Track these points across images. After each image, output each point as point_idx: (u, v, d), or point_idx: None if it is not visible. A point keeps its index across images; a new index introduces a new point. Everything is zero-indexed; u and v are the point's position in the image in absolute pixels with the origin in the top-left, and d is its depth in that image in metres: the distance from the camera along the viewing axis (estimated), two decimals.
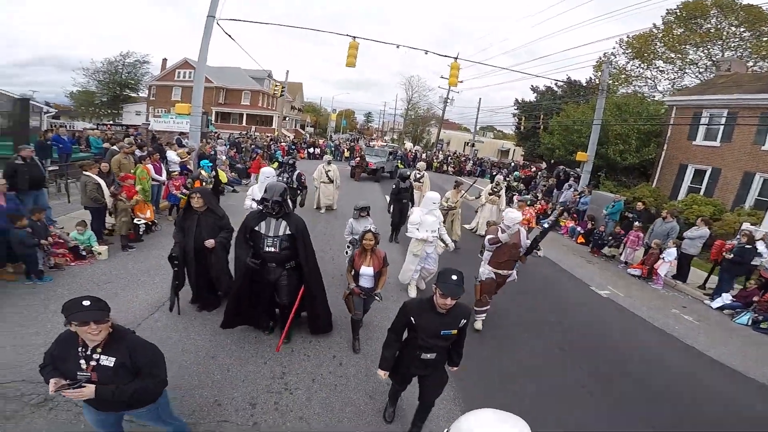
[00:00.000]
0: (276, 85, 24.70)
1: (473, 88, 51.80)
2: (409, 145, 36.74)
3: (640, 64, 23.68)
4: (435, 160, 29.19)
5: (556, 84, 24.37)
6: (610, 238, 10.48)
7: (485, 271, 5.10)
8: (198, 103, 12.21)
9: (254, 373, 3.89)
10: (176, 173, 8.26)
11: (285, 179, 7.96)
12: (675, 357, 5.56)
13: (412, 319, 2.79)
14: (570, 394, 4.30)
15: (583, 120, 18.86)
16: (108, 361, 2.13)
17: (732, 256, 7.57)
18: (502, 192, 10.26)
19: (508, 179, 20.07)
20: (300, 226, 4.09)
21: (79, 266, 5.82)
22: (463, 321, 2.78)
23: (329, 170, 10.40)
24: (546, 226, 6.59)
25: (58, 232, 6.00)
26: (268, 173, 6.00)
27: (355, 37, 13.06)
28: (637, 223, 9.72)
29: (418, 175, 10.44)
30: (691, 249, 8.53)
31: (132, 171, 7.45)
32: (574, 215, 13.30)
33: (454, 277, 2.59)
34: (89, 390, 2.04)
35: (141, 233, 6.97)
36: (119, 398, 2.13)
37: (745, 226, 9.96)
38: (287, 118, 48.88)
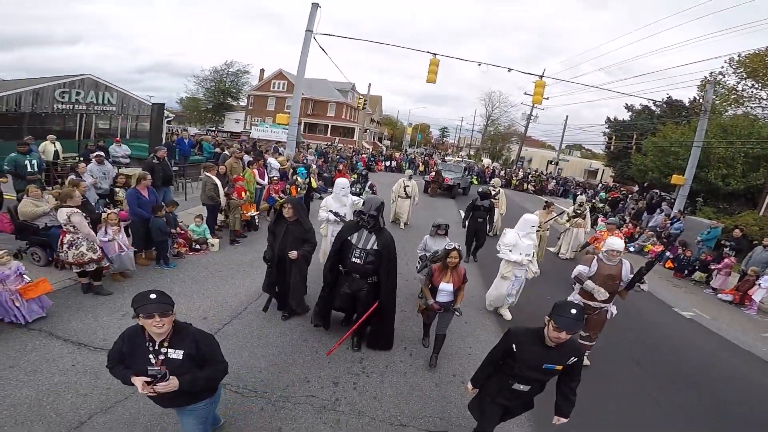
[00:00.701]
0: (359, 98, 25.87)
1: (562, 105, 49.59)
2: (486, 161, 35.99)
3: (753, 84, 20.74)
4: (514, 178, 28.17)
5: (654, 103, 22.24)
6: (698, 262, 9.88)
7: (574, 300, 4.72)
8: (295, 114, 13.30)
9: (337, 356, 4.32)
10: (276, 178, 9.04)
11: (357, 189, 8.06)
12: (758, 376, 5.46)
13: (513, 347, 2.65)
14: (640, 403, 4.48)
15: (682, 141, 17.15)
16: (176, 354, 2.18)
17: None
18: (587, 213, 9.70)
19: (593, 200, 18.90)
20: (388, 243, 4.16)
21: (195, 256, 6.65)
22: (573, 359, 2.57)
23: (408, 186, 10.28)
24: (652, 258, 6.22)
25: (181, 224, 6.91)
26: (342, 184, 6.03)
27: (435, 54, 13.28)
28: (727, 250, 9.34)
29: (493, 192, 10.07)
30: None
31: (242, 174, 8.31)
32: (664, 240, 12.48)
33: (574, 311, 2.41)
34: (174, 381, 2.07)
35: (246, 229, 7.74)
36: (196, 386, 2.19)
37: None
38: (367, 131, 50.74)
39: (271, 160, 10.40)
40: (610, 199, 19.92)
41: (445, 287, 4.10)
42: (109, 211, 5.33)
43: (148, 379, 2.05)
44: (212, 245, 6.85)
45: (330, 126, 43.33)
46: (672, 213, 14.20)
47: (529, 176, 29.24)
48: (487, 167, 30.06)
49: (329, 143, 29.80)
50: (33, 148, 8.05)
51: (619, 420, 4.09)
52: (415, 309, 5.10)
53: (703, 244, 10.56)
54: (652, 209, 15.79)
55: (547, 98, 17.79)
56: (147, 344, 2.17)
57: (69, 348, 3.96)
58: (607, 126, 30.22)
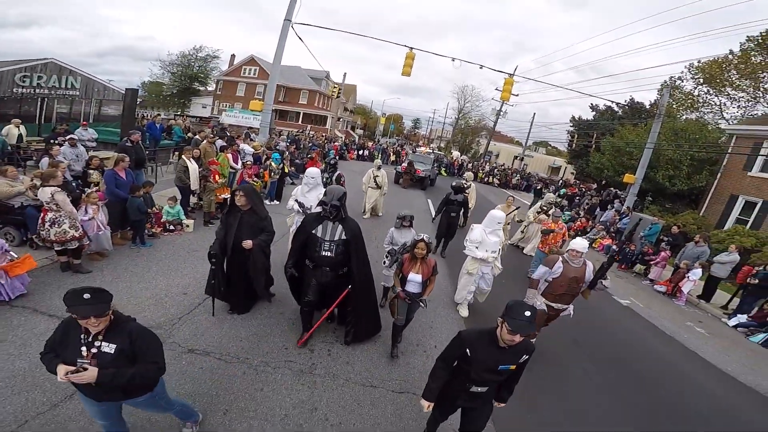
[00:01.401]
0: (334, 87, 25.92)
1: (531, 102, 51.15)
2: (456, 154, 36.93)
3: (708, 90, 22.51)
4: (480, 171, 29.23)
5: (617, 105, 23.68)
6: (640, 255, 11.00)
7: (537, 302, 4.62)
8: (270, 101, 13.36)
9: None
10: (249, 163, 9.22)
11: (325, 179, 7.85)
12: (675, 358, 6.17)
13: (467, 351, 2.56)
14: (572, 377, 4.99)
15: (636, 142, 18.52)
16: (109, 348, 2.11)
17: (757, 280, 8.09)
18: (552, 211, 9.57)
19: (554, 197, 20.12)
20: (356, 232, 4.10)
21: (170, 236, 6.85)
22: (525, 357, 2.54)
23: (378, 175, 10.14)
24: (614, 254, 6.48)
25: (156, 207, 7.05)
26: (313, 174, 5.80)
27: (412, 48, 13.69)
28: (663, 245, 10.53)
29: (465, 186, 9.72)
30: (720, 272, 9.00)
31: (216, 158, 8.45)
32: (613, 234, 13.75)
33: (527, 314, 2.32)
34: (91, 373, 2.00)
35: (219, 211, 7.94)
36: (118, 382, 2.09)
37: None
38: (340, 119, 50.54)
39: (244, 146, 10.55)
40: (568, 194, 21.23)
41: (414, 278, 4.09)
42: (89, 190, 5.42)
43: (72, 368, 1.99)
44: (187, 226, 7.06)
45: (302, 113, 43.01)
46: (621, 210, 15.38)
47: (495, 170, 30.38)
48: (456, 160, 30.93)
49: (301, 130, 29.63)
50: None
51: (557, 391, 4.56)
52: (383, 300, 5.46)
53: (645, 239, 11.66)
54: (606, 206, 17.08)
55: (517, 95, 18.63)
56: (81, 336, 2.11)
57: (54, 323, 4.04)
58: (571, 124, 31.58)
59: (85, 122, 10.73)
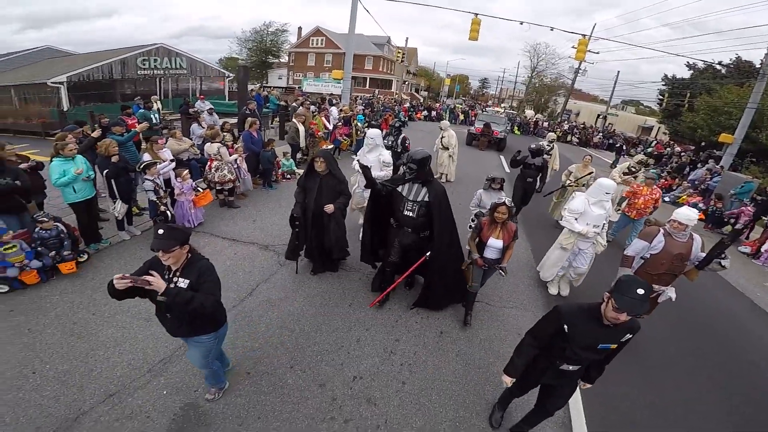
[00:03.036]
0: (398, 52, 26.22)
1: (617, 60, 45.73)
2: (529, 112, 35.24)
3: None
4: (558, 129, 27.98)
5: (720, 63, 20.95)
6: (731, 216, 10.05)
7: None
8: (349, 69, 14.45)
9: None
10: (340, 123, 10.47)
11: (390, 142, 7.73)
12: (743, 314, 5.87)
13: (565, 327, 2.35)
14: (655, 339, 4.64)
15: (737, 102, 16.63)
16: (183, 283, 2.36)
17: None
18: (641, 173, 8.38)
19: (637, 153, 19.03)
20: (439, 195, 3.98)
21: (286, 182, 8.48)
22: (628, 336, 2.31)
23: (444, 136, 9.79)
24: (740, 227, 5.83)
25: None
26: (372, 135, 5.80)
27: (477, 14, 13.65)
28: (750, 205, 9.61)
29: (547, 148, 9.07)
30: None
31: (313, 119, 9.81)
32: (699, 192, 12.84)
33: (641, 292, 2.06)
34: (160, 282, 2.19)
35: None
36: (180, 299, 2.23)
37: None
38: (405, 83, 50.49)
39: (333, 109, 11.83)
40: (655, 153, 19.82)
41: (494, 243, 3.85)
42: (237, 145, 7.01)
43: (129, 275, 2.18)
44: (299, 174, 8.55)
45: (368, 78, 43.82)
46: (714, 168, 14.22)
47: (574, 129, 28.80)
48: (530, 119, 29.78)
49: (372, 95, 30.71)
50: (135, 108, 9.85)
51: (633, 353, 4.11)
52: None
53: (735, 197, 10.76)
54: (697, 165, 15.65)
55: (597, 52, 17.42)
56: (165, 272, 2.38)
57: (228, 242, 5.79)
58: (663, 83, 28.96)
59: (202, 96, 12.73)
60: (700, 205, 11.62)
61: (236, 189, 6.83)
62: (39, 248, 4.39)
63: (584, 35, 14.10)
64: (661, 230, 3.86)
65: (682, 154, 19.22)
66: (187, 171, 5.79)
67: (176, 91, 20.03)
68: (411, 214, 3.98)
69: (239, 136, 7.87)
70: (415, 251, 4.18)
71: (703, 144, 21.09)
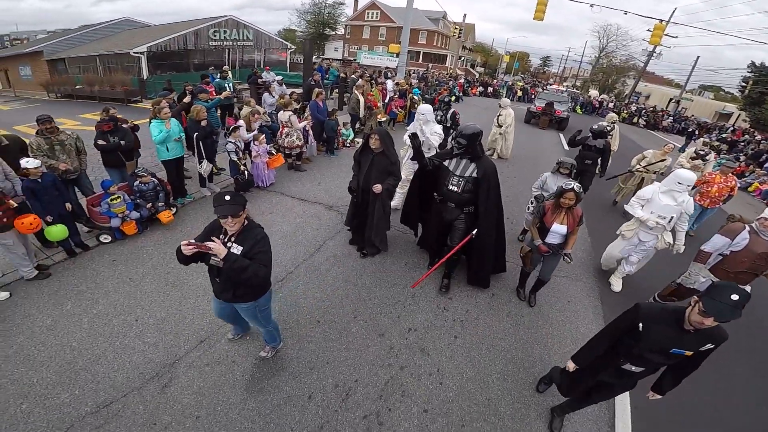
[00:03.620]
0: (455, 27, 25.49)
1: (700, 46, 41.17)
2: (593, 92, 32.98)
3: None
4: (625, 110, 26.14)
5: None
6: None
7: (700, 278, 3.87)
8: (405, 43, 14.38)
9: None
10: (396, 96, 10.68)
11: (439, 117, 7.72)
12: None
13: (640, 325, 2.23)
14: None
15: None
16: (236, 249, 2.40)
17: None
18: (711, 157, 7.88)
19: (711, 139, 17.54)
20: (488, 172, 3.88)
21: (346, 149, 8.96)
22: (709, 346, 2.13)
23: (501, 114, 9.62)
24: None
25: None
26: (424, 110, 5.79)
27: None
28: None
29: (608, 129, 8.52)
30: None
31: (371, 92, 10.10)
32: None
33: (735, 297, 1.92)
34: (220, 248, 2.25)
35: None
36: (237, 266, 2.31)
37: None
38: (461, 58, 48.99)
39: (389, 82, 12.03)
40: (729, 138, 18.15)
41: (558, 229, 3.70)
42: (306, 113, 7.54)
43: (193, 242, 2.26)
44: (357, 142, 9.00)
45: (422, 53, 43.13)
46: None
47: (643, 111, 26.72)
48: (594, 99, 27.99)
49: (425, 69, 30.32)
50: (211, 77, 10.62)
51: None
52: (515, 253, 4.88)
53: None
54: None
55: (675, 37, 15.85)
56: (221, 236, 2.45)
57: (297, 202, 6.35)
58: (750, 71, 27.12)
59: (267, 67, 13.42)
60: None
61: (303, 154, 7.38)
62: (138, 200, 5.00)
63: (661, 20, 12.92)
64: (747, 227, 3.61)
65: (762, 141, 17.48)
66: (263, 135, 6.37)
67: (242, 62, 21.07)
68: (456, 189, 3.94)
69: (305, 106, 8.38)
70: (457, 228, 4.13)
71: None
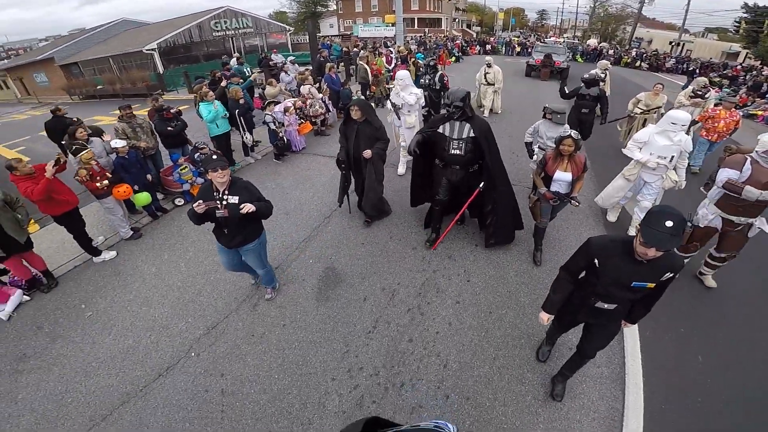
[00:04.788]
0: None
1: None
2: (592, 41, 32.74)
3: None
4: (625, 56, 26.17)
5: None
6: None
7: (707, 213, 3.78)
8: (400, 12, 14.93)
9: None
10: (398, 62, 11.52)
11: (427, 81, 7.85)
12: None
13: (596, 261, 2.23)
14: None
15: None
16: (233, 199, 3.04)
17: None
18: (711, 94, 7.89)
19: (710, 76, 17.94)
20: (484, 129, 4.01)
21: None
22: (669, 275, 2.10)
23: (489, 73, 9.69)
24: None
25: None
26: (401, 76, 6.07)
27: None
28: None
29: (602, 76, 8.88)
30: None
31: (375, 61, 10.98)
32: None
33: (669, 224, 1.84)
34: (251, 206, 2.98)
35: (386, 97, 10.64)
36: (263, 207, 3.11)
37: None
38: (455, 20, 48.34)
39: (390, 50, 12.82)
40: (730, 74, 18.52)
41: (562, 176, 3.72)
42: (323, 86, 8.56)
43: (200, 203, 2.94)
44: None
45: (416, 18, 42.68)
46: None
47: (644, 55, 26.69)
48: (594, 47, 27.96)
49: (422, 34, 30.56)
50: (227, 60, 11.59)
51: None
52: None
53: None
54: None
55: None
56: (215, 194, 3.07)
57: (327, 159, 7.39)
58: (744, 11, 28.00)
59: (275, 50, 14.27)
60: None
61: (326, 120, 8.44)
62: (201, 168, 5.99)
63: None
64: (748, 158, 3.47)
65: (764, 72, 17.82)
66: (292, 107, 7.44)
67: (246, 48, 21.85)
68: (459, 152, 4.02)
69: (320, 79, 9.36)
70: (465, 187, 4.30)
71: None
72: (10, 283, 4.20)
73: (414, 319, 3.70)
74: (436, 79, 7.85)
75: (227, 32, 20.41)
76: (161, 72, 17.47)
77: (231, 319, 3.74)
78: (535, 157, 5.05)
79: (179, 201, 5.98)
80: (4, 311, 3.90)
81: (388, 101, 6.26)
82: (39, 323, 3.86)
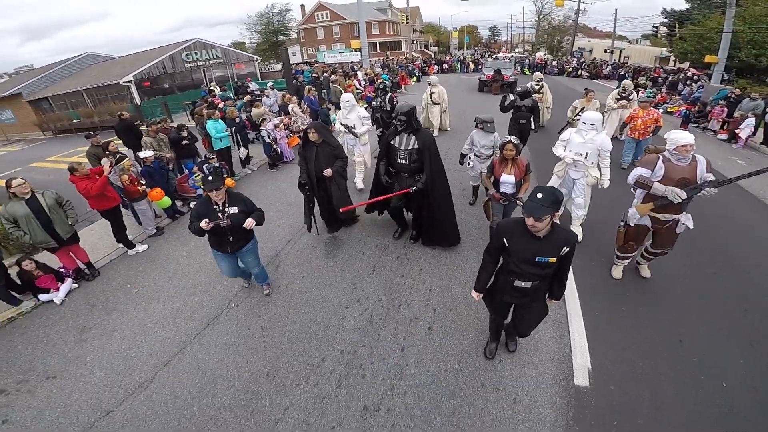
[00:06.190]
0: (402, 15, 27.80)
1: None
2: (539, 54, 36.18)
3: None
4: (567, 66, 29.12)
5: None
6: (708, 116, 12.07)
7: (635, 212, 3.91)
8: (364, 39, 16.72)
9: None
10: (366, 84, 12.98)
11: (378, 103, 8.15)
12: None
13: (504, 241, 2.53)
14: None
15: (714, 29, 19.72)
16: (233, 210, 3.48)
17: None
18: (634, 96, 8.78)
19: (636, 80, 20.73)
20: (428, 141, 4.43)
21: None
22: (566, 249, 2.41)
23: (434, 92, 10.01)
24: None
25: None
26: (347, 98, 6.52)
27: None
28: (721, 101, 11.50)
29: (536, 87, 9.88)
30: None
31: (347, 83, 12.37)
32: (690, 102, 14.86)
33: (540, 195, 2.24)
34: (251, 220, 3.52)
35: None
36: (259, 217, 3.65)
37: None
38: (414, 41, 51.19)
39: (360, 73, 14.32)
40: (653, 76, 21.56)
41: (507, 179, 4.17)
42: (304, 107, 9.77)
43: (207, 222, 3.37)
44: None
45: (378, 43, 44.60)
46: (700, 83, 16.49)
47: (583, 64, 29.83)
48: (540, 59, 30.94)
49: (384, 57, 32.59)
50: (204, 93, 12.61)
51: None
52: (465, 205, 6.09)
53: (713, 101, 13.00)
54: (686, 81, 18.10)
55: None
56: (214, 207, 3.46)
57: None
58: (664, 16, 31.74)
59: (249, 78, 15.45)
60: (685, 110, 13.63)
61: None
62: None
63: None
64: (660, 156, 3.60)
65: (682, 74, 20.73)
66: (281, 123, 8.61)
67: (216, 78, 22.83)
68: (404, 162, 4.53)
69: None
70: (413, 192, 4.59)
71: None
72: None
73: (402, 262, 4.91)
74: (386, 100, 8.18)
75: (198, 63, 21.43)
76: (138, 103, 18.12)
77: None
78: (468, 162, 5.69)
79: (194, 204, 6.90)
80: (58, 296, 4.56)
81: (338, 124, 6.68)
82: (92, 303, 4.57)
